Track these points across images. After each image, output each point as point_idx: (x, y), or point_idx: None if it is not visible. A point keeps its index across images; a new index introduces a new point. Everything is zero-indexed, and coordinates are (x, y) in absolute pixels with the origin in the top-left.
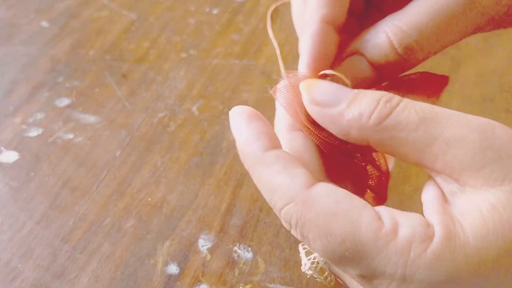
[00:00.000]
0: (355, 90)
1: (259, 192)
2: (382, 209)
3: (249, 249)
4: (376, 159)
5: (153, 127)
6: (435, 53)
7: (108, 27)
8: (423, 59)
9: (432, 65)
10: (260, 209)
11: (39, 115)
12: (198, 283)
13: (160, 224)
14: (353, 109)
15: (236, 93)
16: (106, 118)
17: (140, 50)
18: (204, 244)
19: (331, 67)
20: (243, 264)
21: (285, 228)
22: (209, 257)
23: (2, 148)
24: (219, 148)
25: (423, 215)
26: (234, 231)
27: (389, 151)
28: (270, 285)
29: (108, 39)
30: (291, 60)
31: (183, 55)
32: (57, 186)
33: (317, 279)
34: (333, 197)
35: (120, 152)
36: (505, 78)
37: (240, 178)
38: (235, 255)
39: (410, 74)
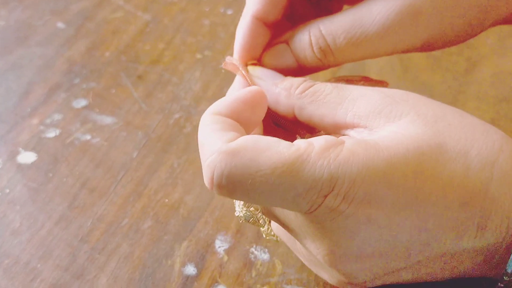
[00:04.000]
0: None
1: None
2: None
3: (266, 250)
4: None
5: (169, 128)
6: (351, 61)
7: (123, 28)
8: (336, 64)
9: (448, 66)
10: None
11: (56, 116)
12: (215, 284)
13: (178, 225)
14: (285, 82)
15: None
16: (122, 119)
17: (155, 51)
18: (221, 245)
19: (261, 54)
20: (260, 265)
21: None
22: (226, 258)
23: (20, 149)
24: None
25: None
26: (251, 232)
27: (309, 115)
28: (287, 287)
29: (123, 40)
30: None
31: (198, 56)
32: (75, 187)
33: (250, 222)
34: (251, 140)
35: (137, 153)
36: None
37: None
38: (252, 256)
39: (352, 77)
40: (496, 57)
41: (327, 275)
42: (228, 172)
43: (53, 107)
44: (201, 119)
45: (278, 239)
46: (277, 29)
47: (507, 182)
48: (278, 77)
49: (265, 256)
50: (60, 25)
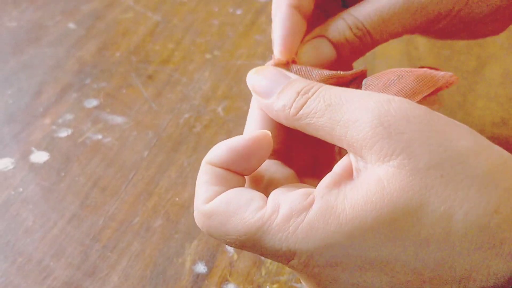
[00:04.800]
0: (290, 78)
1: None
2: (272, 194)
3: None
4: None
5: (179, 128)
6: (384, 40)
7: (133, 28)
8: (373, 44)
9: (457, 65)
10: None
11: (68, 116)
12: (226, 282)
13: (188, 223)
14: (280, 100)
15: None
16: (133, 119)
17: (165, 51)
18: None
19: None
20: (270, 263)
21: None
22: (236, 256)
23: (33, 148)
24: None
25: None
26: None
27: (312, 134)
28: (297, 285)
29: (133, 40)
30: None
31: (208, 56)
32: (87, 186)
33: None
34: (224, 203)
35: (148, 152)
36: None
37: None
38: None
39: (345, 74)
40: (505, 56)
41: None
42: (206, 230)
43: (64, 107)
44: (203, 165)
45: None
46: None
47: (494, 252)
48: (278, 84)
49: None
50: (71, 25)
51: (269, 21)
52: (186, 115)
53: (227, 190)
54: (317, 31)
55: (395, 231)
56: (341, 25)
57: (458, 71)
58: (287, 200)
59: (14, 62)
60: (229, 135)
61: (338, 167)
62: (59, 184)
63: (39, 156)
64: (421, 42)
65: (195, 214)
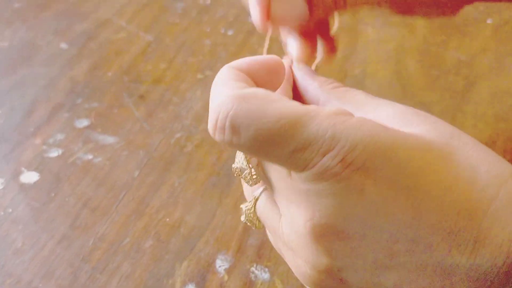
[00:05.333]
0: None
1: None
2: None
3: (266, 269)
4: None
5: (171, 147)
6: (357, 4)
7: (125, 48)
8: (345, 5)
9: (446, 85)
10: None
11: (59, 136)
12: None
13: (178, 244)
14: (321, 76)
15: None
16: (124, 138)
17: (157, 71)
18: (221, 264)
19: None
20: (260, 285)
21: None
22: (226, 277)
23: (23, 168)
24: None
25: None
26: (251, 251)
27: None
28: None
29: (125, 60)
30: None
31: (199, 76)
32: (77, 207)
33: (242, 177)
34: (263, 90)
35: (139, 172)
36: None
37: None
38: (252, 275)
39: None
40: (493, 76)
41: (302, 261)
42: (233, 114)
43: (56, 126)
44: (219, 71)
45: (257, 225)
46: None
47: None
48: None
49: (266, 276)
50: (63, 45)
51: (261, 41)
52: (178, 135)
53: None
54: None
55: (427, 164)
56: None
57: (447, 91)
58: (330, 106)
59: (7, 81)
60: (220, 155)
61: None
62: (49, 204)
63: (29, 176)
64: (410, 62)
65: (221, 100)
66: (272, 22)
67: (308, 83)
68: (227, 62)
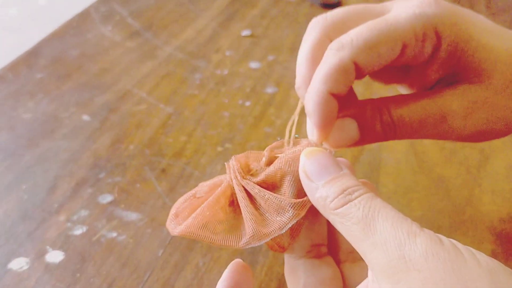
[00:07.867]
0: (339, 171)
1: None
2: None
3: None
4: None
5: None
6: (407, 138)
7: (146, 121)
8: (395, 137)
9: (461, 159)
10: None
11: (83, 212)
12: None
13: None
14: (325, 190)
15: None
16: (147, 215)
17: (177, 144)
18: None
19: None
20: None
21: None
22: None
23: (48, 247)
24: (259, 247)
25: None
26: None
27: (340, 231)
28: None
29: (147, 133)
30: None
31: (219, 148)
32: None
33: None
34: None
35: (162, 251)
36: None
37: (281, 279)
38: None
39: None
40: (508, 150)
41: None
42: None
43: (79, 202)
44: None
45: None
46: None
47: None
48: (328, 172)
49: None
50: (85, 117)
51: (277, 113)
52: None
53: None
54: (351, 111)
55: None
56: (374, 117)
57: (463, 166)
58: None
59: (30, 155)
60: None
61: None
62: (75, 285)
63: (54, 256)
64: None
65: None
66: (328, 143)
67: (314, 200)
68: (246, 135)
